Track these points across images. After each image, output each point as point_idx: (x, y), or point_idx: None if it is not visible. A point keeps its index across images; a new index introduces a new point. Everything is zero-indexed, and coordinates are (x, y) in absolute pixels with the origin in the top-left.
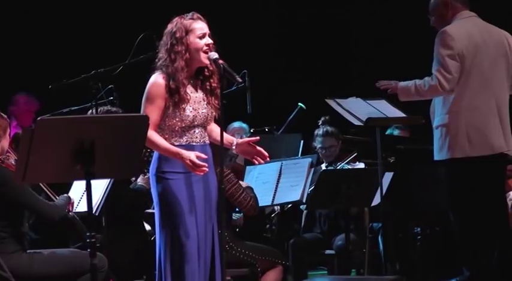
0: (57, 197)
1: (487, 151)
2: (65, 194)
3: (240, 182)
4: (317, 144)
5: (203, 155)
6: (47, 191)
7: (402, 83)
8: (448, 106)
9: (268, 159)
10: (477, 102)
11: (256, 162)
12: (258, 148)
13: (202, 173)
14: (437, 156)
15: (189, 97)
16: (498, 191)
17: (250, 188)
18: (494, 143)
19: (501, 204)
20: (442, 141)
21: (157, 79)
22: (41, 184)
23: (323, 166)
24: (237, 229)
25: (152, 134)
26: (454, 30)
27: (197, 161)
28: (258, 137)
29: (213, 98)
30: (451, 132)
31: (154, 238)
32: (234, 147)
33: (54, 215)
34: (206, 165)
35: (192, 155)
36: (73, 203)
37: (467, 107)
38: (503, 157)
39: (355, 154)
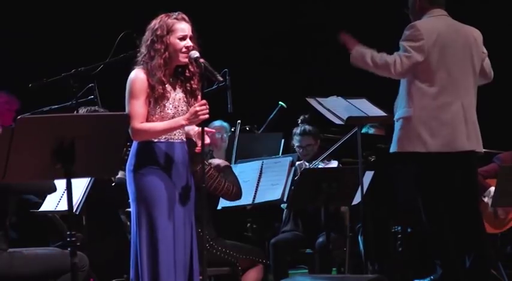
0: None
1: (447, 148)
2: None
3: (216, 160)
4: (295, 142)
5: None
6: None
7: (360, 47)
8: (414, 100)
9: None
10: (443, 100)
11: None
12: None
13: (207, 116)
14: (395, 148)
15: (169, 95)
16: (466, 188)
17: (228, 168)
18: (455, 142)
19: (472, 202)
20: (402, 133)
21: (138, 74)
22: None
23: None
24: None
25: (145, 124)
26: (424, 25)
27: (198, 109)
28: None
29: (192, 99)
30: (413, 126)
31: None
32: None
33: (40, 189)
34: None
35: (191, 110)
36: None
37: (432, 103)
38: (467, 155)
39: (329, 153)
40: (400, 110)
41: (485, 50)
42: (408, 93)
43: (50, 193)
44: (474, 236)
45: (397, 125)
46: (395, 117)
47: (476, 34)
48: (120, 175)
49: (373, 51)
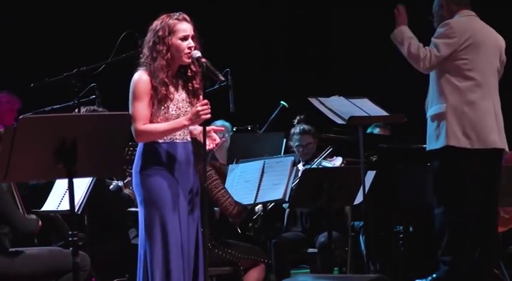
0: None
1: (481, 145)
2: (34, 216)
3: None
4: (294, 142)
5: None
6: (19, 206)
7: (405, 28)
8: (446, 98)
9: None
10: (475, 97)
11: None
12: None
13: (208, 115)
14: (432, 145)
15: (172, 96)
16: (490, 186)
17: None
18: (488, 138)
19: (492, 199)
20: (438, 130)
21: (141, 76)
22: (16, 199)
23: (299, 166)
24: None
25: (148, 125)
26: (458, 23)
27: (200, 109)
28: (222, 128)
29: (194, 99)
30: (447, 124)
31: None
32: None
33: (24, 229)
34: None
35: (193, 110)
36: (40, 225)
37: (465, 101)
38: (497, 153)
39: (330, 150)
40: (433, 106)
41: (505, 58)
42: (442, 91)
43: (26, 233)
44: (487, 233)
45: (432, 124)
46: (428, 114)
47: (501, 39)
48: (115, 183)
49: (413, 38)
